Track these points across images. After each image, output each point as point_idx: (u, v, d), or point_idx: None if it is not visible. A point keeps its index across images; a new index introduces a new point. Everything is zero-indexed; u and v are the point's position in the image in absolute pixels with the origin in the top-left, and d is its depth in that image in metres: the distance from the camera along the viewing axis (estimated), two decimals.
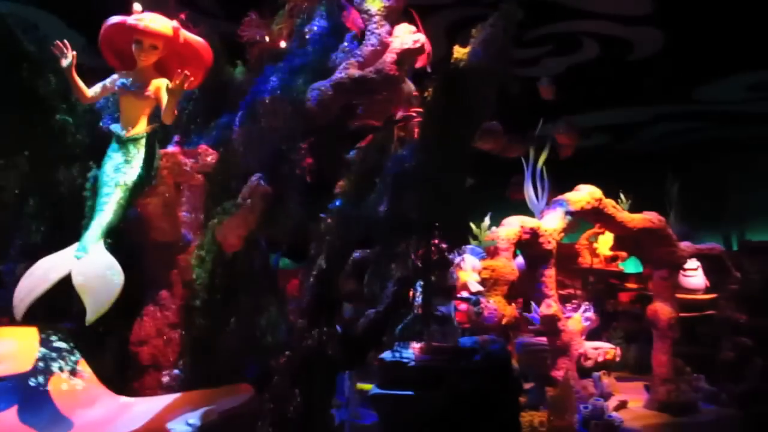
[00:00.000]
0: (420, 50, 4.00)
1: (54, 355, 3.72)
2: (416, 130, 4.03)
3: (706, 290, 8.16)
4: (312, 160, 4.31)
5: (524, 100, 7.11)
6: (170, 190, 4.12)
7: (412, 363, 4.25)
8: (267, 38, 4.65)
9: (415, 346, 4.32)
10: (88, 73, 4.06)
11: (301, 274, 4.11)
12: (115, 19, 4.01)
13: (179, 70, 3.73)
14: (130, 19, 3.94)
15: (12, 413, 3.38)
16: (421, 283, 4.51)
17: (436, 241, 4.38)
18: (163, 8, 4.29)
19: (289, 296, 4.22)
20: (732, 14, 7.94)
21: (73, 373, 3.70)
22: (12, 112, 4.23)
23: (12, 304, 3.88)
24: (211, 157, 4.17)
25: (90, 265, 3.69)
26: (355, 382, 5.12)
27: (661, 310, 7.02)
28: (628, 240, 7.43)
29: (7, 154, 4.22)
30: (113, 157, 3.90)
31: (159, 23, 3.96)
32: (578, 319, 6.67)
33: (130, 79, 3.99)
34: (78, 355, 3.75)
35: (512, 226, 5.96)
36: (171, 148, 4.21)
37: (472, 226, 6.50)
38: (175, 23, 4.05)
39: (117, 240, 3.97)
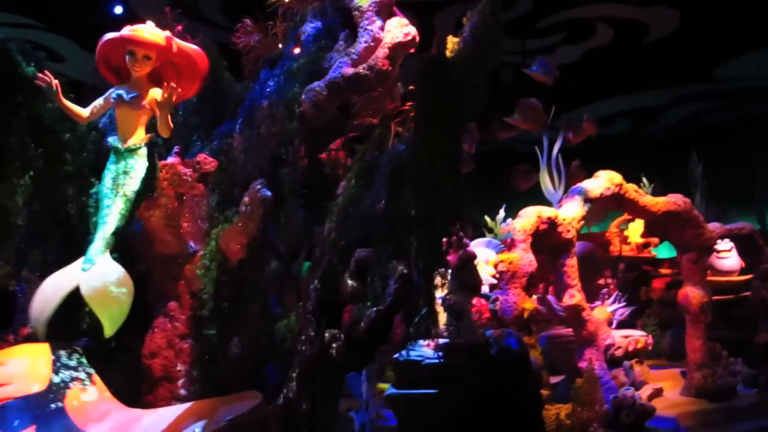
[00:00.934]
0: (412, 42, 3.95)
1: (67, 372, 3.75)
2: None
3: (742, 271, 7.93)
4: (312, 161, 4.29)
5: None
6: (172, 201, 4.14)
7: (426, 361, 4.20)
8: (262, 44, 4.64)
9: (429, 344, 4.26)
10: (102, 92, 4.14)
11: (306, 277, 4.08)
12: (109, 35, 4.05)
13: (166, 84, 3.75)
14: (123, 31, 3.97)
15: None
16: (445, 279, 4.40)
17: (455, 237, 4.30)
18: (162, 21, 4.34)
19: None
20: None
21: (86, 388, 3.72)
22: (16, 134, 4.28)
23: (23, 323, 3.97)
24: (210, 166, 4.17)
25: (97, 276, 3.74)
26: (374, 384, 5.06)
27: (692, 294, 6.83)
28: (657, 225, 7.24)
29: (13, 176, 4.27)
30: (112, 169, 3.94)
31: (151, 33, 3.98)
32: (604, 308, 6.50)
33: (125, 90, 4.01)
34: (90, 369, 3.77)
35: (528, 217, 5.83)
36: (170, 159, 4.22)
37: (487, 219, 6.42)
38: (167, 33, 4.06)
39: (123, 254, 4.01)
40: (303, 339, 3.86)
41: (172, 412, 3.55)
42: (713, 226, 7.19)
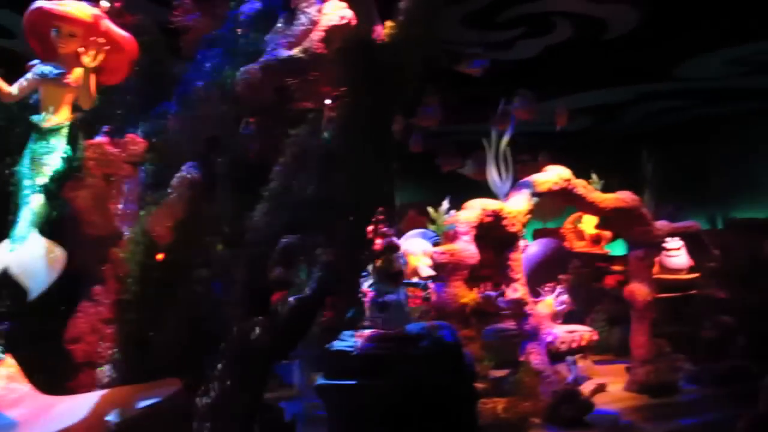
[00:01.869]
0: (347, 26, 3.85)
1: None
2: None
3: (691, 269, 8.01)
4: (248, 145, 4.18)
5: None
6: (99, 181, 4.01)
7: (356, 352, 4.14)
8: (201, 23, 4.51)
9: (361, 334, 4.20)
10: None
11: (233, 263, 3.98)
12: (37, 4, 3.89)
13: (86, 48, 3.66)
14: (49, 4, 3.82)
15: None
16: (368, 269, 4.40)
17: (381, 226, 4.26)
18: None
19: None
20: None
21: None
22: None
23: None
24: (138, 147, 4.05)
25: (26, 253, 3.64)
26: (308, 374, 4.99)
27: (638, 290, 6.91)
28: (611, 221, 7.28)
29: None
30: (33, 149, 3.80)
31: (77, 9, 3.84)
32: (549, 302, 6.51)
33: (49, 67, 3.86)
34: (1, 355, 3.64)
35: (473, 209, 5.81)
36: (99, 138, 4.09)
37: (430, 209, 6.36)
38: (96, 11, 3.93)
39: (49, 236, 3.88)
40: (228, 326, 3.77)
41: (88, 399, 3.43)
42: (661, 224, 7.25)
